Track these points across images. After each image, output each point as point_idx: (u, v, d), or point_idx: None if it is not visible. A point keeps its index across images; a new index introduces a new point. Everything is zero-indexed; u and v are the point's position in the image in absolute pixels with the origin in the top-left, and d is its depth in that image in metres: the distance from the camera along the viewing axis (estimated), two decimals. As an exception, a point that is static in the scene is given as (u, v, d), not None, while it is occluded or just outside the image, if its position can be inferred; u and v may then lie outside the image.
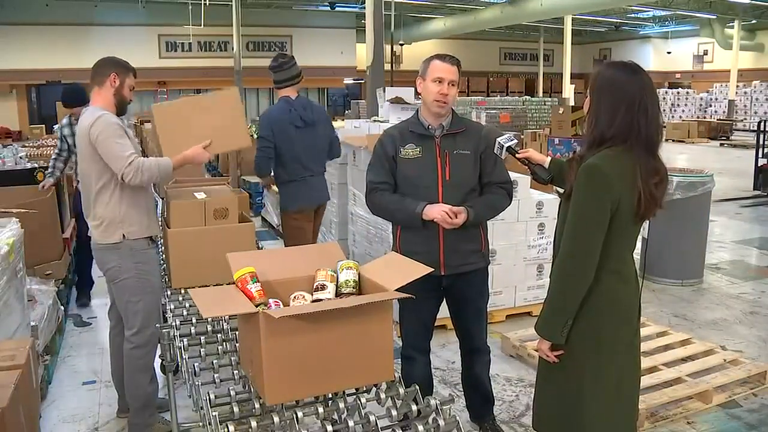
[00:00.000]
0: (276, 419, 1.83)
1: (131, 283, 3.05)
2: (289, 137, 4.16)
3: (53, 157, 5.13)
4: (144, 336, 3.10)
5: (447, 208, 2.61)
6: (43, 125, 18.05)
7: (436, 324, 2.99)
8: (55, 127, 5.30)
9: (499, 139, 2.57)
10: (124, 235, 3.00)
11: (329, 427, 1.77)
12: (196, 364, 2.27)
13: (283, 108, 4.22)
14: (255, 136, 10.97)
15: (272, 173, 4.31)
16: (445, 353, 4.09)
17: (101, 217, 3.00)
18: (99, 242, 3.03)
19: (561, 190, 2.30)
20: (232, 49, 20.94)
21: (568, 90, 24.98)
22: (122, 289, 3.08)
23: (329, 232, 5.94)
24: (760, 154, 10.44)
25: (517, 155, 2.53)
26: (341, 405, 1.92)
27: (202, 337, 2.53)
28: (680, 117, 26.12)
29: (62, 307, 4.43)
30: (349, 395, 2.00)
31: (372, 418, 1.83)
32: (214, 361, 2.34)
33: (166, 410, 3.30)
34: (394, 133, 2.84)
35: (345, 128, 6.21)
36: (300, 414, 1.85)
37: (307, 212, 4.30)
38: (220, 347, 2.44)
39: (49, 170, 5.08)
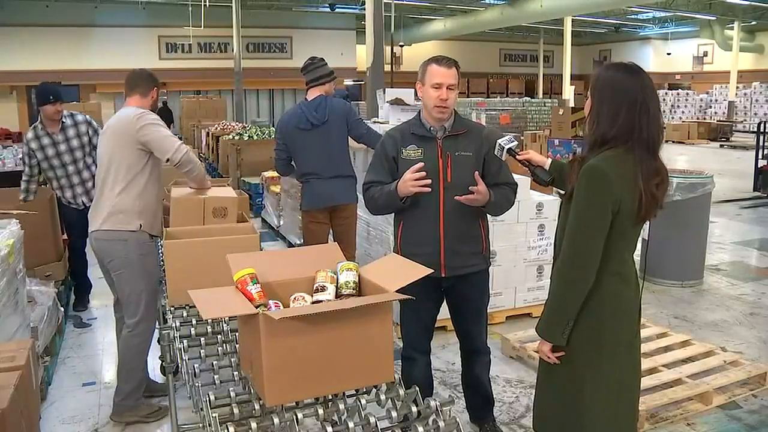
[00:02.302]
0: (276, 420, 1.83)
1: (136, 274, 3.22)
2: (295, 139, 4.23)
3: (24, 179, 4.71)
4: (146, 325, 3.29)
5: (415, 176, 2.59)
6: (43, 126, 18.02)
7: (436, 325, 2.99)
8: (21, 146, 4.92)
9: (499, 141, 2.57)
10: (140, 225, 3.19)
11: (329, 429, 1.76)
12: (196, 366, 2.27)
13: (294, 110, 4.34)
14: (254, 137, 11.01)
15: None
16: (446, 354, 4.09)
17: (122, 206, 3.17)
18: (111, 230, 3.16)
19: (562, 192, 2.30)
20: (232, 50, 20.94)
21: (568, 91, 24.99)
22: (126, 280, 3.23)
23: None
24: (760, 156, 10.45)
25: (517, 157, 2.53)
26: (341, 406, 1.92)
27: (202, 339, 2.52)
28: (680, 118, 26.12)
29: (62, 309, 4.42)
30: (349, 396, 1.99)
31: (372, 419, 1.83)
32: (214, 363, 2.33)
33: (164, 394, 3.44)
34: (395, 134, 2.85)
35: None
36: (300, 415, 1.85)
37: (316, 213, 4.31)
38: (220, 348, 2.43)
39: (21, 195, 4.69)
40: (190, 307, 2.84)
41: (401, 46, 27.09)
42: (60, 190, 4.76)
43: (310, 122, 4.19)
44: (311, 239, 4.32)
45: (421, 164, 2.63)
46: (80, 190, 4.74)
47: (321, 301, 1.99)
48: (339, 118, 4.25)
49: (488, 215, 2.90)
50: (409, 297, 1.96)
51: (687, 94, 28.07)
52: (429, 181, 2.60)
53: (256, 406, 1.90)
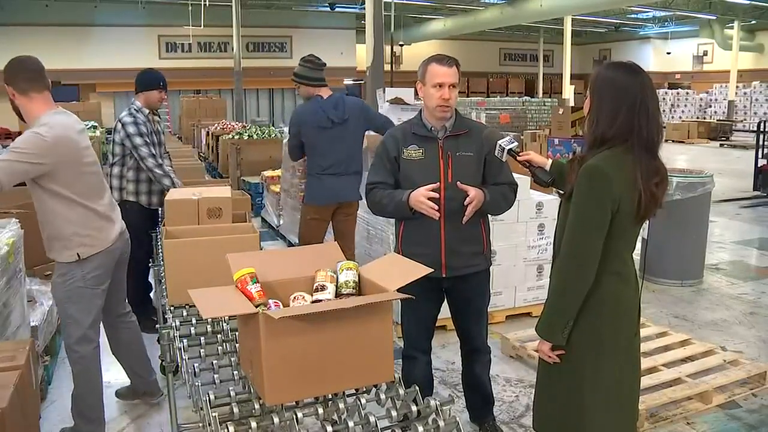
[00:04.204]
0: (276, 420, 1.83)
1: None
2: (314, 136, 4.25)
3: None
4: None
5: (428, 194, 2.58)
6: (43, 126, 18.01)
7: (436, 324, 2.99)
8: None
9: (500, 142, 2.56)
10: None
11: (329, 428, 1.76)
12: (195, 365, 2.27)
13: (313, 108, 4.29)
14: (254, 137, 11.00)
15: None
16: (446, 354, 4.09)
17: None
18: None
19: (561, 192, 2.30)
20: (232, 49, 20.93)
21: (568, 91, 24.97)
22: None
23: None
24: (759, 155, 10.44)
25: (518, 158, 2.53)
26: (341, 405, 1.92)
27: (202, 338, 2.53)
28: (680, 117, 26.10)
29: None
30: (348, 396, 1.99)
31: (372, 418, 1.83)
32: (214, 362, 2.33)
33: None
34: (396, 134, 2.84)
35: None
36: (300, 414, 1.85)
37: (319, 209, 4.34)
38: (219, 348, 2.43)
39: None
40: (190, 306, 2.84)
41: (401, 45, 27.06)
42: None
43: (330, 120, 4.22)
44: (308, 234, 4.35)
45: (437, 185, 2.63)
46: (145, 188, 4.44)
47: (321, 301, 1.99)
48: (357, 115, 4.30)
49: (488, 215, 2.90)
50: (409, 296, 1.96)
51: (687, 93, 28.05)
52: (437, 207, 2.59)
53: (256, 406, 1.90)
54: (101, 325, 3.18)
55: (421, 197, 2.59)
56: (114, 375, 3.70)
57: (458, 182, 2.66)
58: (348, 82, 26.58)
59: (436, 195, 2.61)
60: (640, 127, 1.99)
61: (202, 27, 21.09)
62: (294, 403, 1.93)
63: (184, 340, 2.47)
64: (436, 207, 2.59)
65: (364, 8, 9.96)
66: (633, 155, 2.00)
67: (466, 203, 2.62)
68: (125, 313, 3.36)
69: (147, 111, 4.39)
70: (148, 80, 4.40)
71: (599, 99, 2.05)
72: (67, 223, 2.84)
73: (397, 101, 5.23)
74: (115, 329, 3.33)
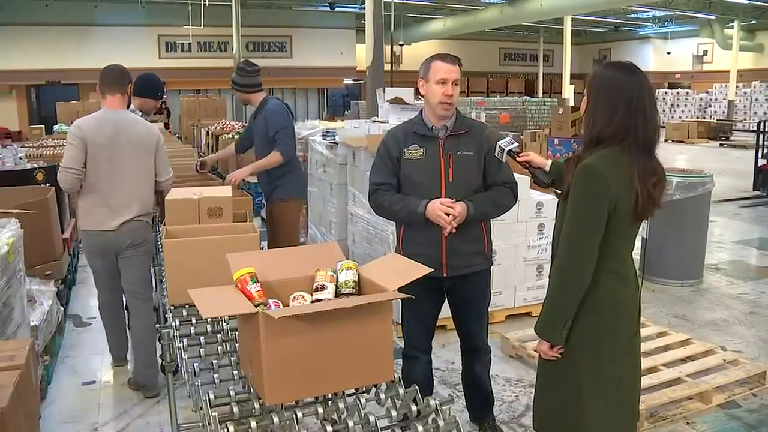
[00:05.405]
0: (276, 419, 1.83)
1: (151, 253, 3.68)
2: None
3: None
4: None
5: (445, 208, 2.61)
6: (43, 126, 18.00)
7: (436, 324, 2.99)
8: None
9: (500, 143, 2.57)
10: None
11: (329, 428, 1.77)
12: (195, 365, 2.27)
13: (282, 104, 4.49)
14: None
15: None
16: (446, 353, 4.09)
17: (148, 197, 3.60)
18: (139, 218, 3.54)
19: (559, 192, 2.30)
20: (232, 49, 20.93)
21: (568, 90, 24.97)
22: (147, 259, 3.66)
23: (329, 232, 5.94)
24: (759, 155, 10.45)
25: (517, 159, 2.53)
26: (341, 405, 1.92)
27: (202, 338, 2.53)
28: (680, 117, 26.11)
29: (62, 308, 4.42)
30: (348, 395, 2.00)
31: (372, 418, 1.83)
32: (214, 362, 2.34)
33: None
34: (397, 133, 2.84)
35: (345, 129, 6.20)
36: (300, 414, 1.85)
37: (303, 202, 4.49)
38: (219, 347, 2.44)
39: None
40: (190, 306, 2.84)
41: (401, 45, 27.04)
42: None
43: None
44: (296, 232, 4.44)
45: (453, 201, 2.65)
46: None
47: (321, 300, 1.99)
48: None
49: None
50: (409, 296, 1.96)
51: (687, 93, 28.07)
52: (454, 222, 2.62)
53: (256, 405, 1.90)
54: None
55: (440, 212, 2.61)
56: (111, 375, 3.71)
57: (446, 199, 2.66)
58: (348, 81, 26.58)
59: (453, 211, 2.61)
60: (637, 126, 1.99)
61: (201, 27, 21.08)
62: (294, 402, 1.93)
63: (184, 340, 2.47)
64: (455, 224, 2.61)
65: (364, 8, 9.97)
66: (630, 155, 1.99)
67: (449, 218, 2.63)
68: (139, 295, 3.64)
69: (140, 114, 4.39)
70: (148, 88, 4.49)
71: (596, 98, 2.05)
72: (83, 197, 3.45)
73: (397, 101, 5.23)
74: (130, 303, 3.70)
